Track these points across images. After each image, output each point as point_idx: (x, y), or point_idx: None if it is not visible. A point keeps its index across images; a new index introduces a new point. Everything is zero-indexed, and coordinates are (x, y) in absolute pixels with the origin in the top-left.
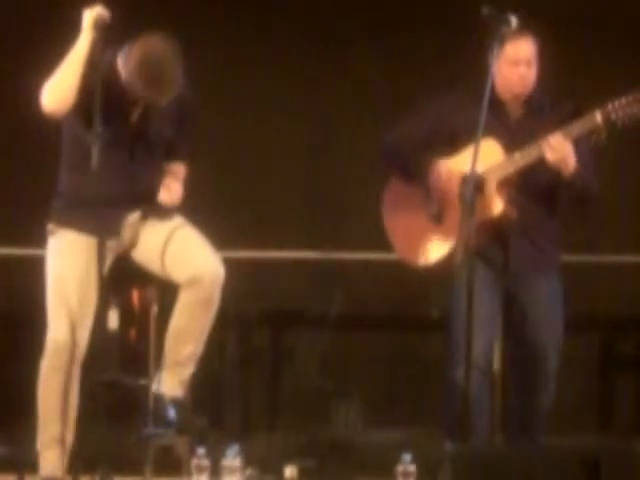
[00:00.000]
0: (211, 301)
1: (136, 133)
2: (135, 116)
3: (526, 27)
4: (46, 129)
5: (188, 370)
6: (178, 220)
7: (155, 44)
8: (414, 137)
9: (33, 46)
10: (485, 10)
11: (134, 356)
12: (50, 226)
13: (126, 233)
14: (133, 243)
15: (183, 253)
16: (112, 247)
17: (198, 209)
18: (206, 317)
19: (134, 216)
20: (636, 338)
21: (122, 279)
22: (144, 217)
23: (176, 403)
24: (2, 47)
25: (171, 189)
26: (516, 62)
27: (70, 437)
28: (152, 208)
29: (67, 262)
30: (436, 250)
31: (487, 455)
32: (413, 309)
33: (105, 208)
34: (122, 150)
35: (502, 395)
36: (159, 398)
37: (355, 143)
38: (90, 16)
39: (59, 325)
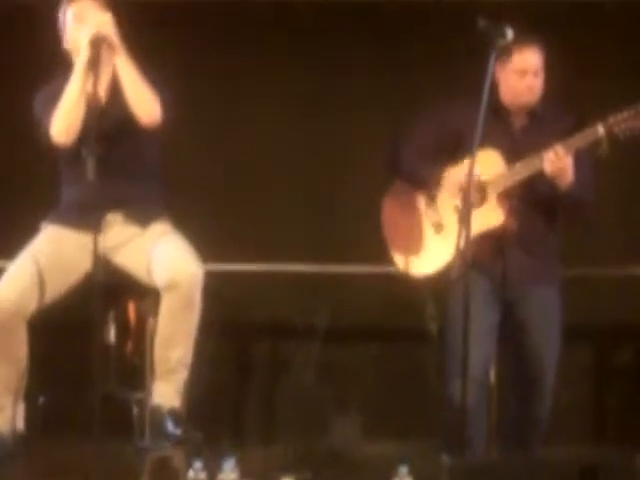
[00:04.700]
0: (191, 304)
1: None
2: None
3: (528, 37)
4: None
5: (181, 375)
6: (162, 226)
7: None
8: (419, 143)
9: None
10: (481, 23)
11: (131, 369)
12: (42, 225)
13: (108, 233)
14: (116, 246)
15: (161, 259)
16: (89, 245)
17: (193, 220)
18: (188, 320)
19: (115, 217)
20: (631, 348)
21: (118, 292)
22: (126, 219)
23: (173, 415)
24: None
25: None
26: (523, 72)
27: (22, 391)
28: (133, 211)
29: (44, 244)
30: (435, 260)
31: (484, 467)
32: (410, 321)
33: (86, 208)
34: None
35: (498, 407)
36: (156, 410)
37: (346, 156)
38: (87, 35)
39: (7, 288)
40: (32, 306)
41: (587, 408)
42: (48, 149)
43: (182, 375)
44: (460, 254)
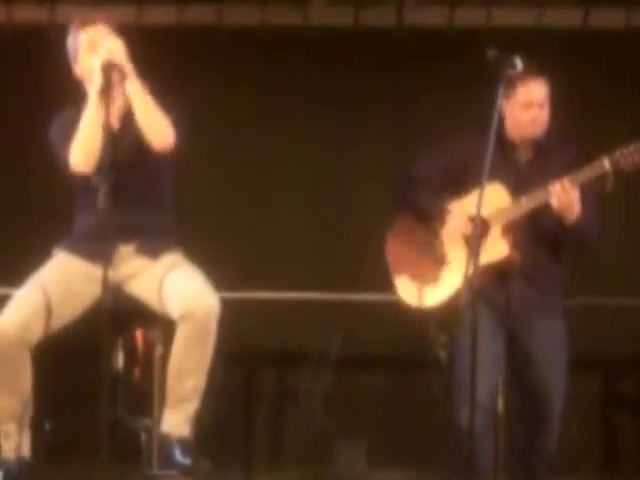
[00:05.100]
0: (207, 334)
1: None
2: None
3: (534, 69)
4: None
5: (192, 405)
6: (174, 257)
7: None
8: (425, 176)
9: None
10: (490, 53)
11: (138, 395)
12: (54, 252)
13: (119, 264)
14: (128, 277)
15: (176, 289)
16: (99, 274)
17: (203, 249)
18: (203, 351)
19: (127, 248)
20: (639, 378)
21: (127, 319)
22: (138, 251)
23: (181, 444)
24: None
25: None
26: (528, 104)
27: (27, 419)
28: (146, 243)
29: (54, 272)
30: (440, 293)
31: None
32: (417, 349)
33: (97, 236)
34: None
35: (506, 436)
36: (164, 438)
37: (359, 186)
38: (99, 61)
39: (13, 315)
40: (37, 334)
41: (596, 439)
42: (66, 177)
43: (193, 405)
44: (468, 282)
